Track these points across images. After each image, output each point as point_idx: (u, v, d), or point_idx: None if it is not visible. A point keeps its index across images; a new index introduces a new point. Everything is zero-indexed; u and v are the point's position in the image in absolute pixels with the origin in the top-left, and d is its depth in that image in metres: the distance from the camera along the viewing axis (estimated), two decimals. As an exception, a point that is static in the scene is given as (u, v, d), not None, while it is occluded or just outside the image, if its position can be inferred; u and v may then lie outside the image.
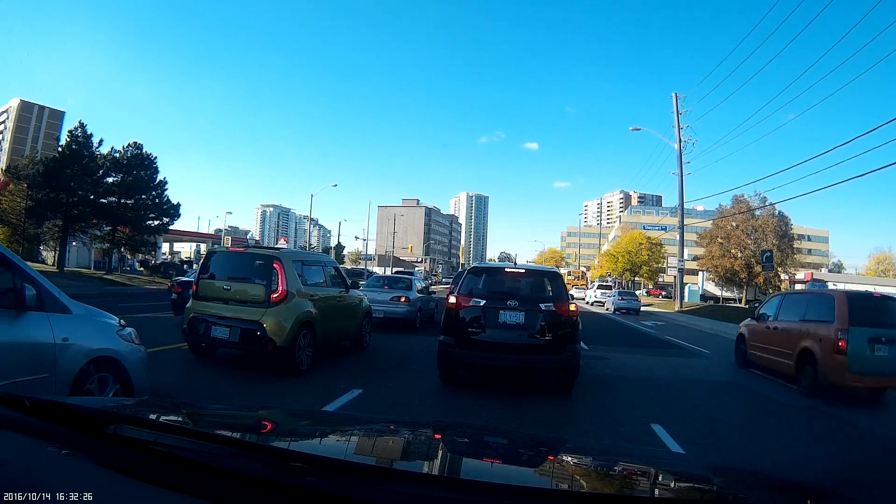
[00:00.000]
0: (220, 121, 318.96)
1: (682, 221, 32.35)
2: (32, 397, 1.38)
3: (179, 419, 1.68)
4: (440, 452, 1.67)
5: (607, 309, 30.60)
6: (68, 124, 57.66)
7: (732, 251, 45.38)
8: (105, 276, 28.77)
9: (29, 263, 3.90)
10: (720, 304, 44.08)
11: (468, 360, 6.64)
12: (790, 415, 6.95)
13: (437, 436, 1.86)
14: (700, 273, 48.76)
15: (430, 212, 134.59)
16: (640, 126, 38.28)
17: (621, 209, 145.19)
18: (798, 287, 42.82)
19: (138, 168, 31.10)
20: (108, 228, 31.66)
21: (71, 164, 28.13)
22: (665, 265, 52.58)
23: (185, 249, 69.55)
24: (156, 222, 32.68)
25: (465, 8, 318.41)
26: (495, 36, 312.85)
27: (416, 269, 69.28)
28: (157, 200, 32.04)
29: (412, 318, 13.27)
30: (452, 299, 6.69)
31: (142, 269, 33.90)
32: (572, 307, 6.67)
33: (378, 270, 48.64)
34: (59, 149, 29.87)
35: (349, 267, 49.09)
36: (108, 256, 34.84)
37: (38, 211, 28.87)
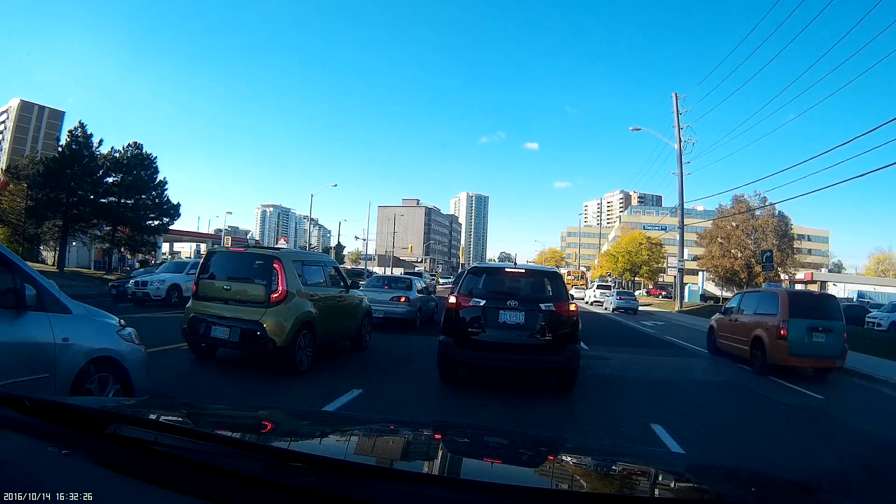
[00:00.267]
0: (220, 121, 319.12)
1: (682, 221, 32.35)
2: (32, 397, 1.38)
3: (179, 419, 1.68)
4: (440, 452, 1.66)
5: (606, 308, 31.03)
6: (68, 124, 57.69)
7: (732, 251, 45.32)
8: (105, 276, 28.75)
9: (29, 263, 3.90)
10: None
11: (468, 360, 6.64)
12: (791, 415, 6.94)
13: (437, 436, 1.86)
14: (700, 273, 48.72)
15: (430, 212, 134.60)
16: (640, 126, 38.30)
17: (621, 209, 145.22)
18: (798, 287, 42.92)
19: (138, 168, 31.12)
20: (108, 228, 31.68)
21: (71, 164, 28.15)
22: (665, 265, 52.57)
23: (185, 249, 69.54)
24: (156, 222, 32.69)
25: (466, 8, 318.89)
26: (496, 36, 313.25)
27: (417, 268, 69.34)
28: (157, 200, 32.05)
29: (412, 318, 13.27)
30: (452, 299, 6.69)
31: (142, 269, 33.95)
32: (572, 307, 6.67)
33: (378, 270, 48.70)
34: (59, 149, 29.91)
35: (349, 267, 49.15)
36: (108, 256, 34.87)
37: (38, 211, 28.89)
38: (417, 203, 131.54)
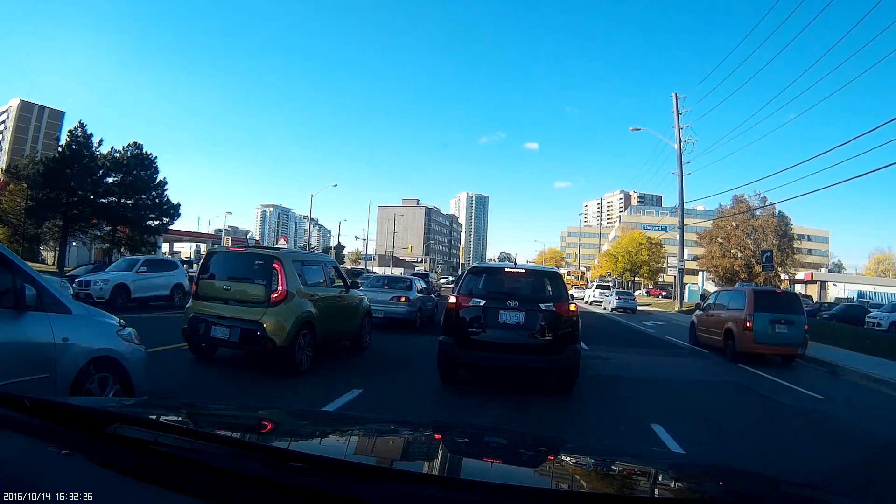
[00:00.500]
0: (220, 121, 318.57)
1: (682, 221, 32.34)
2: (32, 397, 1.38)
3: (179, 419, 1.68)
4: (440, 452, 1.66)
5: (605, 308, 31.29)
6: (68, 124, 57.57)
7: (732, 251, 45.31)
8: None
9: (29, 263, 3.90)
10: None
11: (468, 360, 6.64)
12: (791, 415, 6.94)
13: (437, 436, 1.86)
14: (700, 273, 48.67)
15: (430, 212, 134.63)
16: (640, 126, 38.31)
17: (621, 209, 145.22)
18: (797, 287, 42.93)
19: (138, 168, 31.14)
20: (108, 228, 31.70)
21: (71, 164, 28.18)
22: (665, 265, 52.59)
23: (185, 249, 69.55)
24: (156, 222, 32.73)
25: (466, 8, 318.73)
26: (496, 36, 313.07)
27: (417, 268, 69.33)
28: (157, 200, 32.08)
29: (412, 318, 13.28)
30: (452, 299, 6.69)
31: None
32: (572, 307, 6.67)
33: (378, 270, 48.72)
34: (59, 149, 29.95)
35: (349, 267, 49.09)
36: (108, 256, 34.78)
37: (38, 211, 28.93)
38: (417, 203, 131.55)
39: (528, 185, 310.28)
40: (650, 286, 69.01)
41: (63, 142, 30.29)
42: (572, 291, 19.57)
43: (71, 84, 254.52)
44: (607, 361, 9.96)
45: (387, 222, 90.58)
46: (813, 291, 56.00)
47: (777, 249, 41.14)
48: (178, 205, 32.86)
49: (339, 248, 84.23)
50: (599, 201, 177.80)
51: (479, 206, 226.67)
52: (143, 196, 31.45)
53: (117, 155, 31.09)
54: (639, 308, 31.21)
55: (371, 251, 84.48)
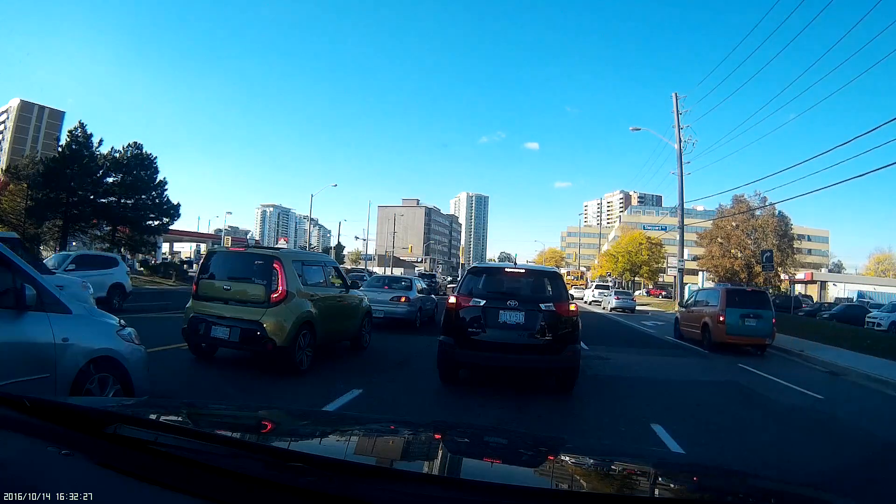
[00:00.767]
0: (220, 121, 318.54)
1: (682, 221, 32.29)
2: (32, 397, 1.38)
3: (179, 419, 1.68)
4: (440, 452, 1.66)
5: (604, 308, 31.44)
6: (68, 124, 57.57)
7: (732, 251, 45.28)
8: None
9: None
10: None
11: (468, 360, 6.64)
12: (791, 415, 6.94)
13: (437, 436, 1.86)
14: (700, 273, 48.63)
15: (430, 212, 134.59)
16: (641, 126, 38.24)
17: (621, 209, 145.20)
18: (798, 287, 42.92)
19: (138, 168, 31.09)
20: (108, 228, 31.65)
21: (71, 164, 28.14)
22: (665, 265, 52.53)
23: (185, 249, 69.62)
24: (156, 222, 32.66)
25: (466, 8, 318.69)
26: (496, 36, 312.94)
27: (417, 268, 69.37)
28: (157, 200, 32.02)
29: (412, 318, 13.28)
30: (452, 299, 6.69)
31: (142, 269, 33.99)
32: (572, 307, 6.67)
33: (378, 270, 48.71)
34: (59, 149, 29.89)
35: (349, 267, 49.11)
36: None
37: (38, 211, 28.86)
38: (417, 203, 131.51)
39: (528, 185, 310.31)
40: (650, 286, 69.02)
41: (63, 142, 30.23)
42: (572, 291, 19.61)
43: (71, 84, 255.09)
44: (607, 361, 9.96)
45: (387, 222, 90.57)
46: (813, 291, 56.04)
47: (777, 249, 41.10)
48: (178, 205, 32.81)
49: (339, 248, 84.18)
50: (599, 201, 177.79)
51: (479, 206, 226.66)
52: (143, 196, 31.39)
53: (117, 155, 31.04)
54: (638, 308, 31.33)
55: (371, 251, 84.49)
